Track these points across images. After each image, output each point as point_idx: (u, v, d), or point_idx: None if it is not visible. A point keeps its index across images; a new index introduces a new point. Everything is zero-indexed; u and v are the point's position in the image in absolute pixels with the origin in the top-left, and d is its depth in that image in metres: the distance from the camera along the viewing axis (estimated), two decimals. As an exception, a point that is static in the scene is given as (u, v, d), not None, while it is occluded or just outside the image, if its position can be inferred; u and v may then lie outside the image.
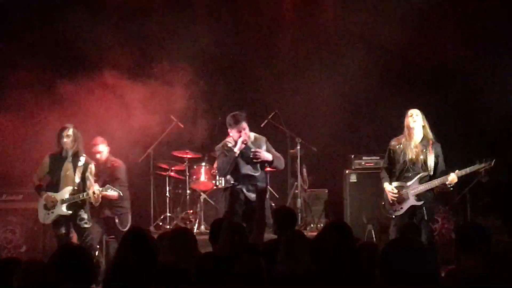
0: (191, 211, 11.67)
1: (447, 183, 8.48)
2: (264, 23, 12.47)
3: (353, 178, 10.83)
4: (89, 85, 11.28)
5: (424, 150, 8.60)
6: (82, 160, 8.98)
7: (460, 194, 10.48)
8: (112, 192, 9.09)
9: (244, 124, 8.61)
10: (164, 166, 11.77)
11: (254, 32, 12.51)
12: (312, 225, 11.36)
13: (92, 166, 9.06)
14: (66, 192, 8.88)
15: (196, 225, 11.33)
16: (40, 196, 9.14)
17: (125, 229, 9.56)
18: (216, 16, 12.41)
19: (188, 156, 11.64)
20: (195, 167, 11.61)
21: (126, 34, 11.97)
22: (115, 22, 11.97)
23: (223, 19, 12.41)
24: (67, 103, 11.06)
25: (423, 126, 8.68)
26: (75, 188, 8.87)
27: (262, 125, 10.77)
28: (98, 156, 9.96)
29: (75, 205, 8.91)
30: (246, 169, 8.66)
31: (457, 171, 8.47)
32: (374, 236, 9.38)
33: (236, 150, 8.55)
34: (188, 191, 11.61)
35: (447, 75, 11.90)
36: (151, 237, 5.58)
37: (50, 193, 8.99)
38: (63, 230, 9.00)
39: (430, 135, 8.69)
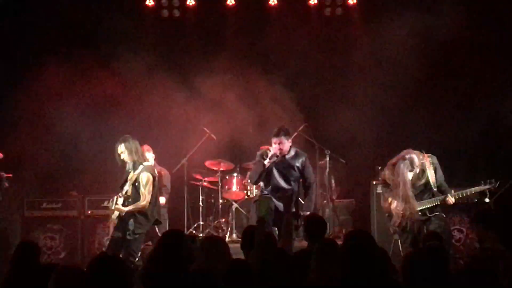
0: (223, 220, 11.77)
1: (446, 203, 8.74)
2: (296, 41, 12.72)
3: (379, 189, 10.40)
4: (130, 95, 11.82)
5: (423, 169, 8.75)
6: (139, 168, 8.71)
7: (484, 205, 10.07)
8: (119, 206, 8.64)
9: (281, 139, 8.80)
10: (197, 176, 11.92)
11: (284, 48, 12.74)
12: (340, 235, 11.22)
13: (143, 175, 8.64)
14: (118, 199, 8.72)
15: (228, 233, 11.36)
16: None
17: None
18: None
19: (221, 167, 11.74)
20: (227, 177, 11.74)
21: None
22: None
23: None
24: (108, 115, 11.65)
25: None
26: (123, 196, 8.65)
27: (292, 137, 10.88)
28: None
29: (125, 214, 8.65)
30: (279, 181, 8.87)
31: (453, 192, 8.72)
32: (400, 246, 9.14)
33: (266, 162, 8.78)
34: (220, 201, 11.68)
35: (474, 96, 12.07)
36: (186, 239, 5.73)
37: (116, 196, 8.82)
38: (117, 234, 8.67)
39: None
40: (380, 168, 10.58)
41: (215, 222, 11.85)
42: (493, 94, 11.80)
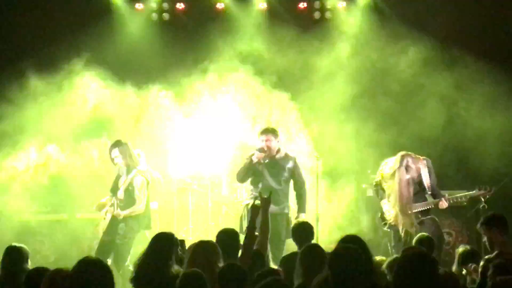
0: (213, 223, 11.63)
1: (439, 207, 8.76)
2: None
3: (369, 192, 10.70)
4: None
5: (418, 172, 8.81)
6: (133, 173, 8.67)
7: (473, 208, 10.31)
8: (116, 211, 8.58)
9: (269, 137, 8.80)
10: (187, 179, 11.78)
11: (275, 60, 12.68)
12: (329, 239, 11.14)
13: (137, 180, 8.67)
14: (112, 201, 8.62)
15: None
16: None
17: None
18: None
19: (210, 170, 11.63)
20: (217, 180, 11.69)
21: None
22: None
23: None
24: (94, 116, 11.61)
25: None
26: (117, 200, 8.59)
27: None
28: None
29: (116, 217, 8.58)
30: (269, 182, 8.79)
31: (447, 195, 8.73)
32: (390, 250, 9.35)
33: (254, 158, 8.72)
34: (210, 204, 11.63)
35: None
36: (177, 242, 5.87)
37: (110, 197, 8.77)
38: (106, 238, 8.68)
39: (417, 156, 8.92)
40: (369, 171, 10.80)
41: (205, 225, 11.75)
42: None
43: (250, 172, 8.80)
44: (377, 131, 12.06)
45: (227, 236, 6.43)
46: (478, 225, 6.92)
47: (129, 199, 8.65)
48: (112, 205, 8.58)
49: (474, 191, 8.89)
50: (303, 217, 8.83)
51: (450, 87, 12.02)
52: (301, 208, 8.98)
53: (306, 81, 12.72)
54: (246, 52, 12.63)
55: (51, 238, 11.14)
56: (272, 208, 8.48)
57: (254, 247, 6.46)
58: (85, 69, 11.71)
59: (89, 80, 11.66)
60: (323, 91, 12.55)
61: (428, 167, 8.93)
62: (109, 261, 8.71)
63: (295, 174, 9.00)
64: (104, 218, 8.82)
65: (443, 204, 8.81)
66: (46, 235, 11.16)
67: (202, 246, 5.91)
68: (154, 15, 12.93)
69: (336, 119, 12.19)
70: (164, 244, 5.72)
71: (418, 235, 8.12)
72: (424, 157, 9.05)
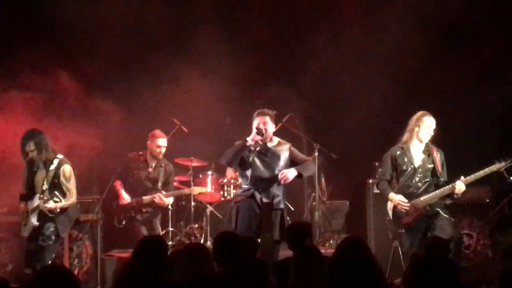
0: (196, 225, 11.37)
1: (455, 192, 8.30)
2: (284, 28, 12.51)
3: (377, 189, 10.13)
4: (86, 84, 11.43)
5: (430, 156, 8.56)
6: (55, 163, 8.38)
7: (497, 206, 10.09)
8: (52, 205, 8.17)
9: (267, 119, 8.48)
10: None
11: (268, 34, 12.34)
12: (331, 241, 11.19)
13: (65, 169, 8.36)
14: (35, 201, 8.29)
15: (202, 240, 10.96)
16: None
17: None
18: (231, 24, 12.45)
19: (193, 164, 11.27)
20: (200, 176, 11.46)
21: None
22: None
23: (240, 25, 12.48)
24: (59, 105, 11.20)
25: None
26: (43, 196, 8.21)
27: (275, 129, 10.10)
28: (157, 150, 10.09)
29: (45, 216, 8.24)
30: (261, 172, 8.43)
31: (462, 177, 8.30)
32: (401, 254, 8.88)
33: (249, 138, 8.38)
34: (193, 203, 11.19)
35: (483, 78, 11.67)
36: (167, 246, 5.67)
37: (24, 203, 8.47)
38: (31, 245, 8.30)
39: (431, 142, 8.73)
40: (377, 164, 10.37)
41: (187, 228, 11.43)
42: (505, 74, 11.40)
43: (240, 155, 8.43)
44: (387, 118, 11.61)
45: (226, 240, 6.29)
46: None
47: (59, 192, 8.30)
48: (48, 199, 8.19)
49: (493, 165, 8.34)
50: (291, 173, 8.30)
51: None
52: (301, 167, 8.56)
53: (303, 65, 12.29)
54: (235, 32, 12.29)
55: (8, 244, 10.43)
56: (265, 200, 8.34)
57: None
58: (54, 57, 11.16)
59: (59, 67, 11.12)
60: (323, 75, 12.20)
61: (440, 157, 8.61)
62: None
63: (297, 158, 8.61)
64: (26, 224, 8.43)
65: (459, 188, 8.26)
66: (2, 241, 10.47)
67: (197, 250, 5.85)
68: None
69: (339, 104, 11.93)
70: (154, 249, 5.46)
71: (430, 237, 8.00)
72: (437, 148, 8.71)
